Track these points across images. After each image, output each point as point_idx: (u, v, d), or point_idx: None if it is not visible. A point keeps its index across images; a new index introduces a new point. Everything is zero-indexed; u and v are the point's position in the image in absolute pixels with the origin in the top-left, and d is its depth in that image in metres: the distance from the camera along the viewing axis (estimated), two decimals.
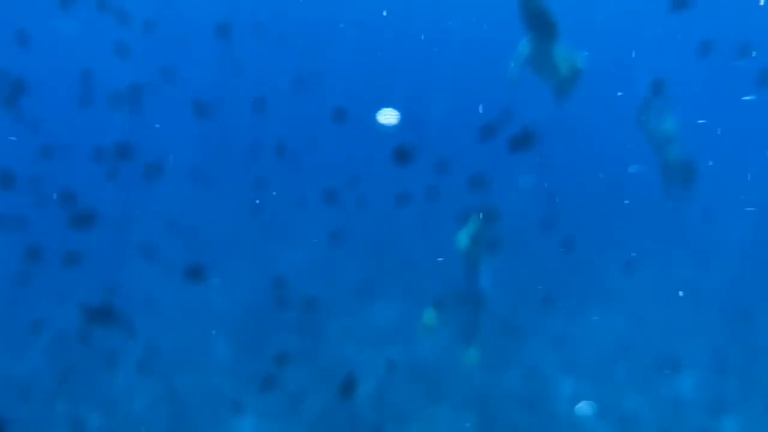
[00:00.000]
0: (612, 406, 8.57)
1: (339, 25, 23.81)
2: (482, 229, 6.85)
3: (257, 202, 12.84)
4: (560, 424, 8.23)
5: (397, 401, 8.36)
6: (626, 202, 13.22)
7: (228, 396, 8.41)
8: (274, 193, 12.98)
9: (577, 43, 6.48)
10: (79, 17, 16.56)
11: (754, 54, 9.06)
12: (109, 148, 8.68)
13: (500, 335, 9.32)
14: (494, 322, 8.51)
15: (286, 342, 9.25)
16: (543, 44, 6.18)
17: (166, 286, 10.44)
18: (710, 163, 8.28)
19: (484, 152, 8.97)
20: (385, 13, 23.80)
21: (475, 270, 6.92)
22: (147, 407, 8.29)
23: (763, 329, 10.38)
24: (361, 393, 8.36)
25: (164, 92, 14.87)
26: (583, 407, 8.27)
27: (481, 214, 6.81)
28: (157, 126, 16.08)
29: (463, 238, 6.88)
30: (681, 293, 10.77)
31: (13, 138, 13.43)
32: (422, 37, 24.84)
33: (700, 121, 8.36)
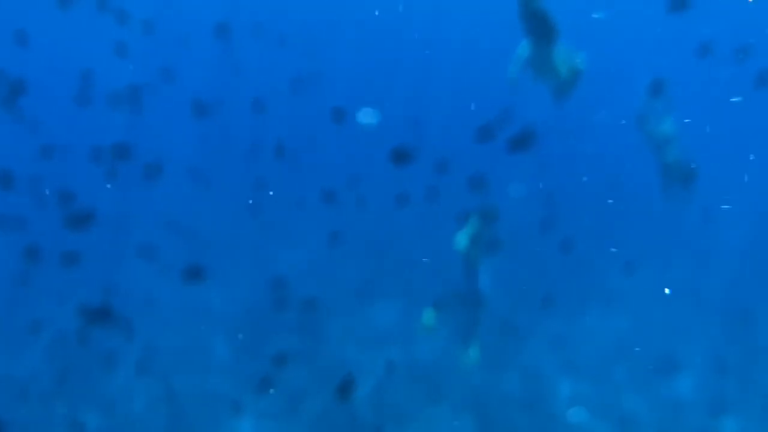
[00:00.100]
0: (611, 406, 8.57)
1: (375, 12, 23.63)
2: (481, 229, 6.84)
3: (250, 201, 12.82)
4: (559, 424, 8.23)
5: (396, 401, 8.36)
6: (610, 201, 13.20)
7: (227, 396, 8.41)
8: (271, 193, 12.95)
9: (576, 44, 6.48)
10: (79, 17, 16.54)
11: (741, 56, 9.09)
12: (108, 148, 8.68)
13: (499, 336, 9.31)
14: (493, 322, 8.50)
15: (285, 342, 9.25)
16: (542, 46, 6.18)
17: (165, 286, 10.42)
18: (693, 166, 8.29)
19: (483, 153, 8.96)
20: (377, 13, 23.75)
21: (474, 270, 6.91)
22: (146, 407, 8.28)
23: (762, 330, 10.39)
24: (361, 393, 8.35)
25: (163, 92, 14.87)
26: (577, 413, 8.28)
27: (478, 215, 6.81)
28: (156, 126, 16.06)
29: (463, 239, 6.87)
30: (667, 290, 10.78)
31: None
32: (423, 38, 24.84)
33: (686, 121, 8.35)
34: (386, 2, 23.75)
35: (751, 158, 17.71)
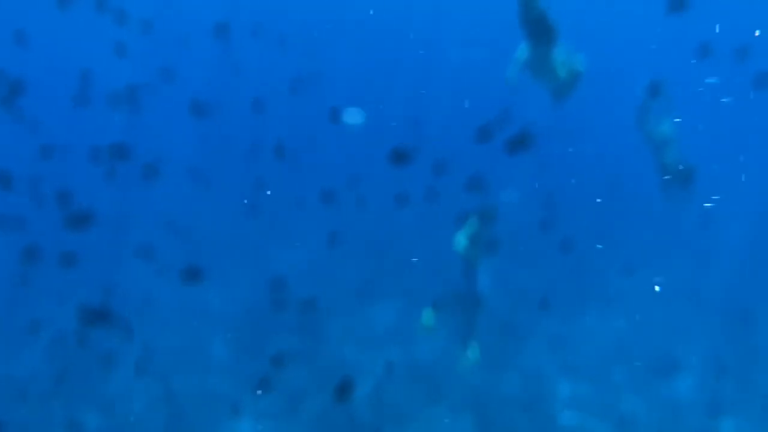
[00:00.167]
0: (610, 407, 8.57)
1: (369, 11, 23.58)
2: (481, 229, 6.84)
3: (245, 202, 12.82)
4: (558, 425, 8.23)
5: (396, 402, 8.36)
6: (598, 200, 13.17)
7: (226, 396, 8.40)
8: (268, 192, 12.95)
9: (575, 45, 6.48)
10: (78, 17, 16.54)
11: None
12: (107, 148, 8.67)
13: (499, 336, 9.31)
14: (493, 322, 8.50)
15: (285, 342, 9.24)
16: (542, 48, 6.18)
17: (164, 286, 10.42)
18: (681, 167, 8.29)
19: (482, 153, 8.96)
20: (372, 12, 23.76)
21: (473, 271, 6.91)
22: (145, 408, 8.28)
23: (761, 330, 10.39)
24: (360, 393, 8.35)
25: (163, 92, 14.86)
26: (569, 417, 8.29)
27: (477, 215, 6.81)
28: (156, 126, 16.06)
29: (462, 239, 6.88)
30: (657, 288, 10.77)
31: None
32: (422, 38, 24.85)
33: (676, 120, 8.35)
34: (385, 2, 23.76)
35: (741, 159, 17.73)
